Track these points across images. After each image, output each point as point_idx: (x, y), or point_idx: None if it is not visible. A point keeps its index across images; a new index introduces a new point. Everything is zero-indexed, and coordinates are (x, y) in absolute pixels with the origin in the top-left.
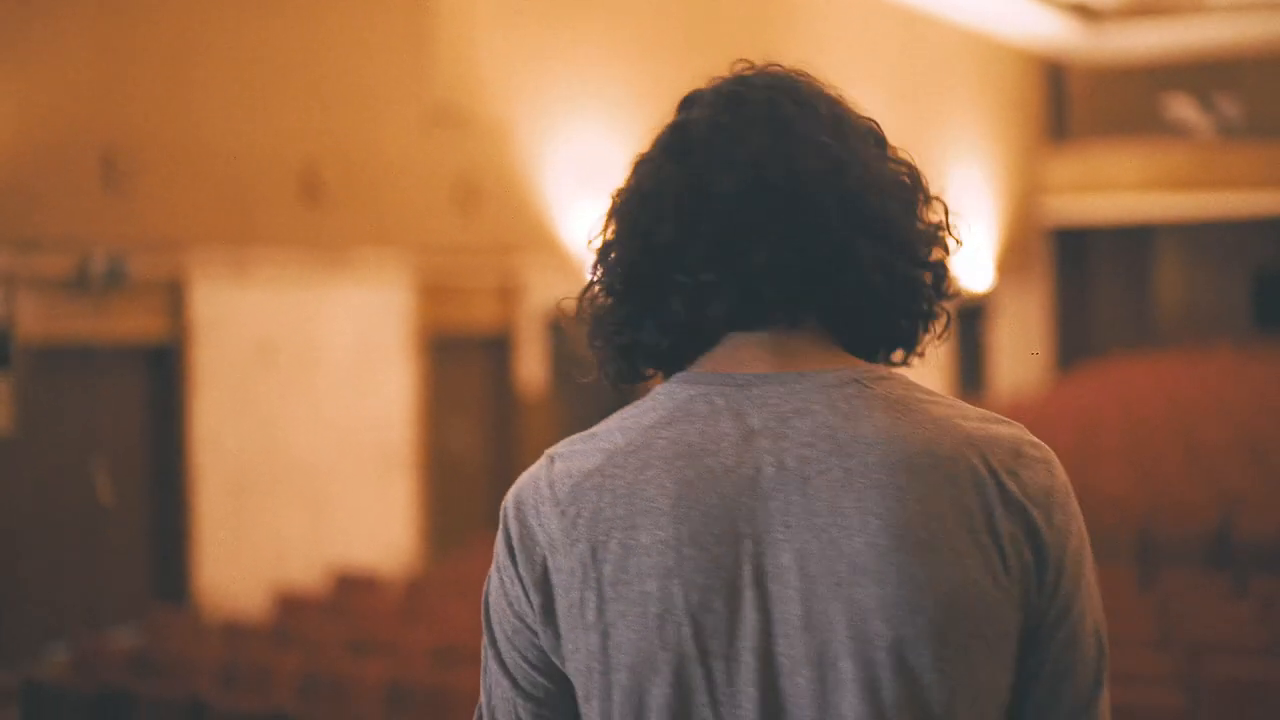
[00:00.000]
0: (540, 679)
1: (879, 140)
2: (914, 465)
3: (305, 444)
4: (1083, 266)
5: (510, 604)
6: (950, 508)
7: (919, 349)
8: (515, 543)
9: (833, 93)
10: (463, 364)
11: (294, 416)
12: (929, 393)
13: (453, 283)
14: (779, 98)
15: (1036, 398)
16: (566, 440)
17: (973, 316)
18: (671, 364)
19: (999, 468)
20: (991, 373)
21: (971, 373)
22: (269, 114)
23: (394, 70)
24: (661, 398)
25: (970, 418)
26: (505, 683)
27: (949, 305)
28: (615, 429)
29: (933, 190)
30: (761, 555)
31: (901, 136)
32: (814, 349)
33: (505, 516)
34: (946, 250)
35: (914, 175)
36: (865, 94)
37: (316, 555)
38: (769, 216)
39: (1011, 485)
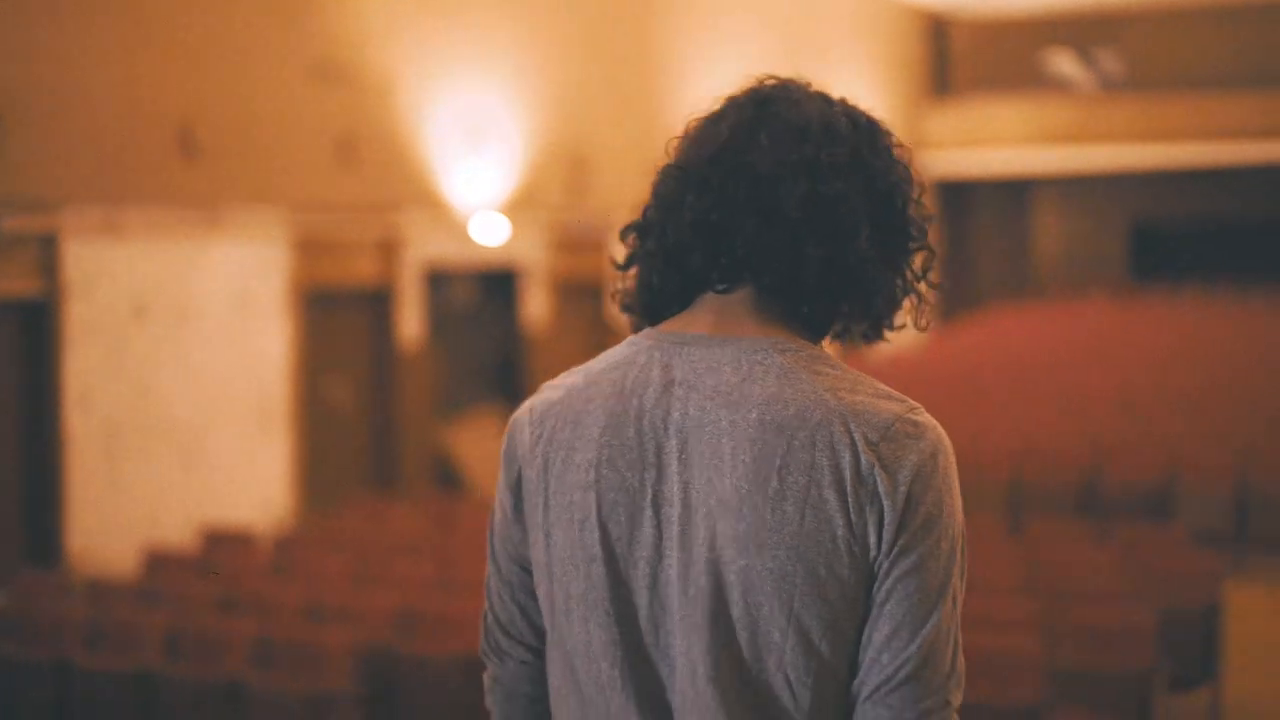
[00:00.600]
0: (515, 567)
1: (860, 133)
2: (784, 427)
3: (180, 401)
4: (964, 219)
5: (500, 504)
6: (808, 467)
7: (884, 329)
8: (504, 452)
9: (830, 105)
10: (341, 320)
11: (169, 373)
12: (834, 367)
13: (332, 238)
14: (792, 105)
15: (918, 349)
16: (559, 375)
17: None
18: (653, 318)
19: (861, 440)
20: None
21: None
22: (145, 69)
23: (273, 25)
24: (619, 348)
25: (859, 392)
26: (494, 569)
27: (925, 298)
28: (581, 370)
29: (906, 178)
30: (660, 483)
31: None
32: (751, 319)
33: (505, 436)
34: (894, 254)
35: (884, 189)
36: (751, 50)
37: (192, 514)
38: (710, 194)
39: (869, 455)
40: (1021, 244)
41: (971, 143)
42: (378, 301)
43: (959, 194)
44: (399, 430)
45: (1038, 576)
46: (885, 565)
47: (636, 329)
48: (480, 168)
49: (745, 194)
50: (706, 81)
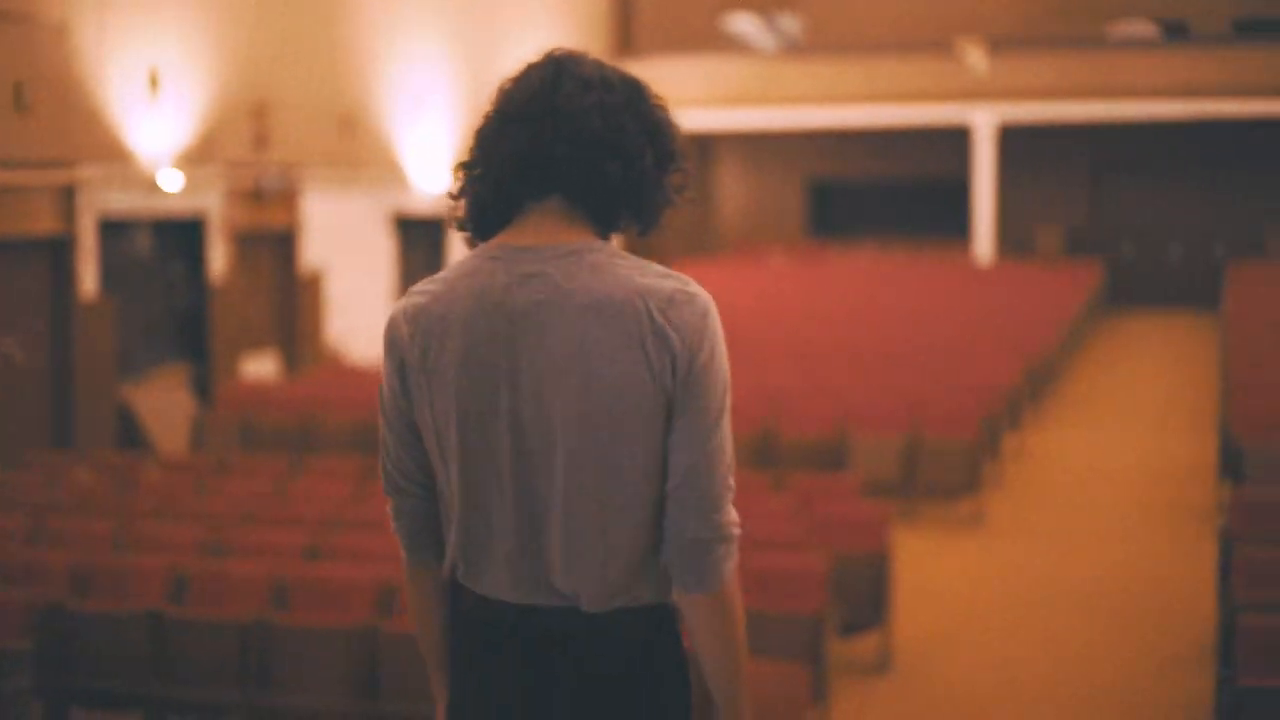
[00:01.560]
0: (405, 428)
1: (628, 89)
2: (599, 306)
3: None
4: None
5: (388, 384)
6: (619, 333)
7: (647, 222)
8: (387, 344)
9: (604, 66)
10: (17, 270)
11: None
12: (625, 259)
13: (5, 187)
14: (567, 66)
15: None
16: (419, 283)
17: None
18: (484, 235)
19: (654, 308)
20: None
21: None
22: None
23: None
24: (466, 260)
25: (647, 274)
26: (388, 431)
27: (675, 193)
28: (440, 278)
29: (663, 120)
30: (513, 356)
31: (473, 54)
32: (562, 224)
33: (386, 329)
34: (659, 163)
35: (638, 111)
36: (432, 3)
37: None
38: (529, 129)
39: (660, 319)
40: (704, 201)
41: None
42: (55, 254)
43: None
44: (78, 386)
45: None
46: (679, 396)
47: (472, 245)
48: (161, 117)
49: (554, 127)
50: (388, 34)
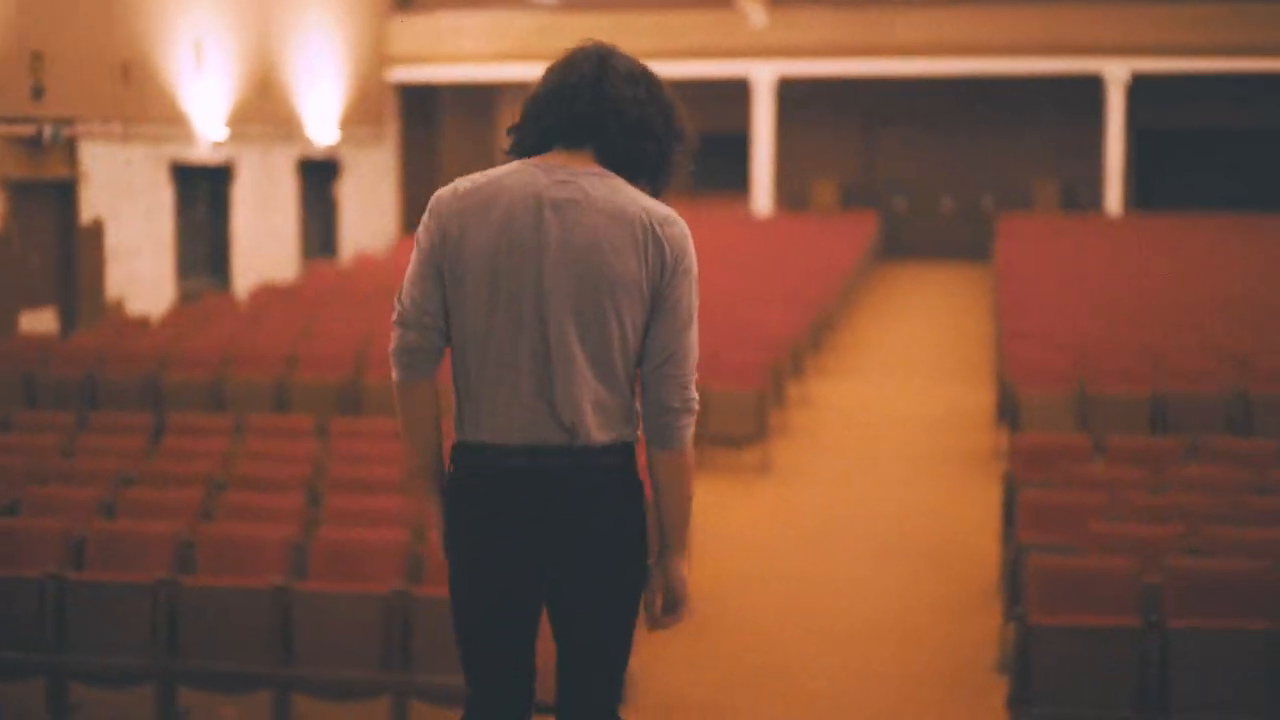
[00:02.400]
0: (434, 272)
1: (652, 83)
2: (612, 213)
3: None
4: (432, 127)
5: (428, 239)
6: (626, 234)
7: (660, 185)
8: (433, 210)
9: (634, 62)
10: None
11: None
12: (631, 188)
13: None
14: (600, 53)
15: (384, 258)
16: (466, 178)
17: (322, 176)
18: (533, 154)
19: (654, 222)
20: (341, 233)
21: (323, 233)
22: None
23: None
24: (514, 165)
25: (646, 201)
26: (416, 273)
27: (681, 165)
28: (488, 174)
29: (675, 107)
30: (543, 234)
31: (252, 2)
32: (587, 163)
33: (431, 203)
34: (667, 133)
35: (660, 102)
36: None
37: None
38: (579, 106)
39: (659, 231)
40: (487, 156)
41: (436, 57)
42: None
43: (426, 102)
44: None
45: None
46: (663, 290)
47: (512, 156)
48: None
49: (602, 107)
50: None
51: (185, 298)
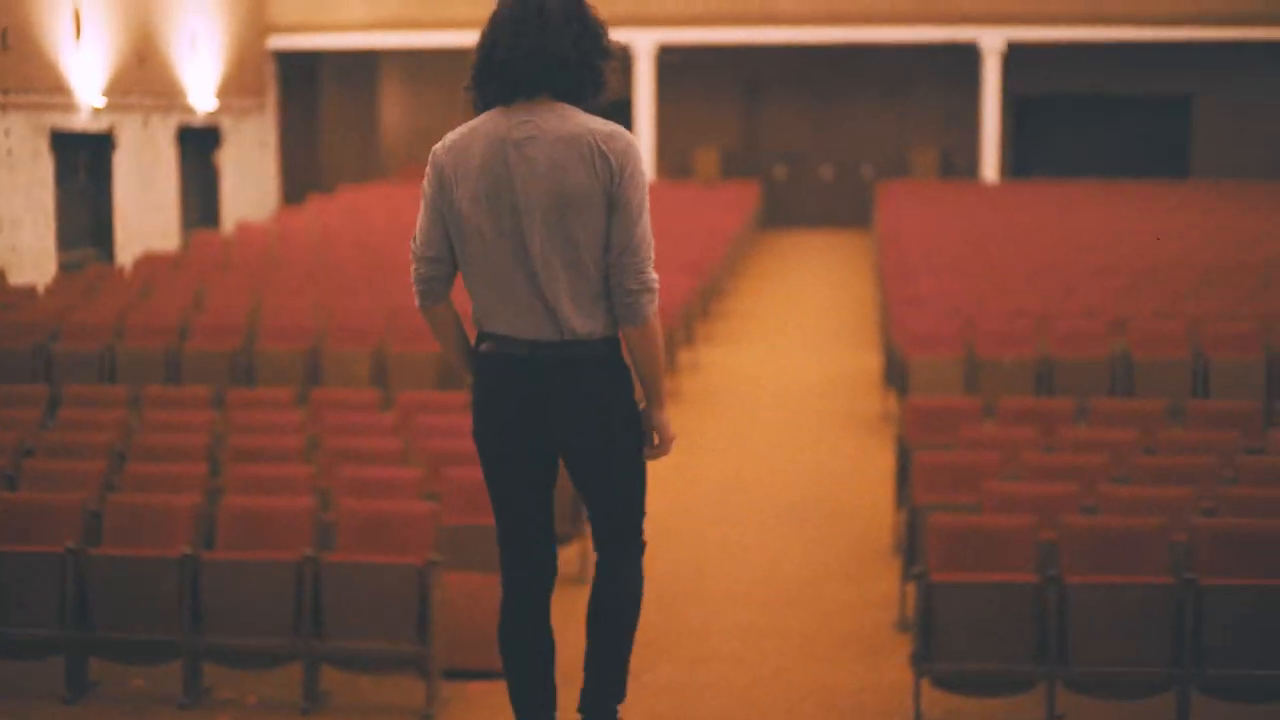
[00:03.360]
0: (439, 215)
1: (580, 9)
2: (565, 139)
3: None
4: (312, 96)
5: (430, 186)
6: (576, 155)
7: (591, 98)
8: (432, 163)
9: (569, 4)
10: None
11: None
12: (579, 114)
13: None
14: (538, 12)
15: (268, 227)
16: (452, 131)
17: (203, 145)
18: (496, 104)
19: (599, 140)
20: (223, 203)
21: (204, 202)
22: None
23: None
24: (485, 115)
25: (593, 123)
26: (427, 215)
27: (608, 79)
28: (467, 125)
29: (603, 28)
30: (511, 167)
31: None
32: (544, 100)
33: (431, 155)
34: (600, 57)
35: (590, 26)
36: None
37: None
38: (525, 48)
39: (603, 146)
40: (369, 125)
41: (316, 25)
42: None
43: (305, 72)
44: None
45: (415, 444)
46: (615, 194)
47: (479, 111)
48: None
49: (550, 62)
50: None
51: (67, 269)
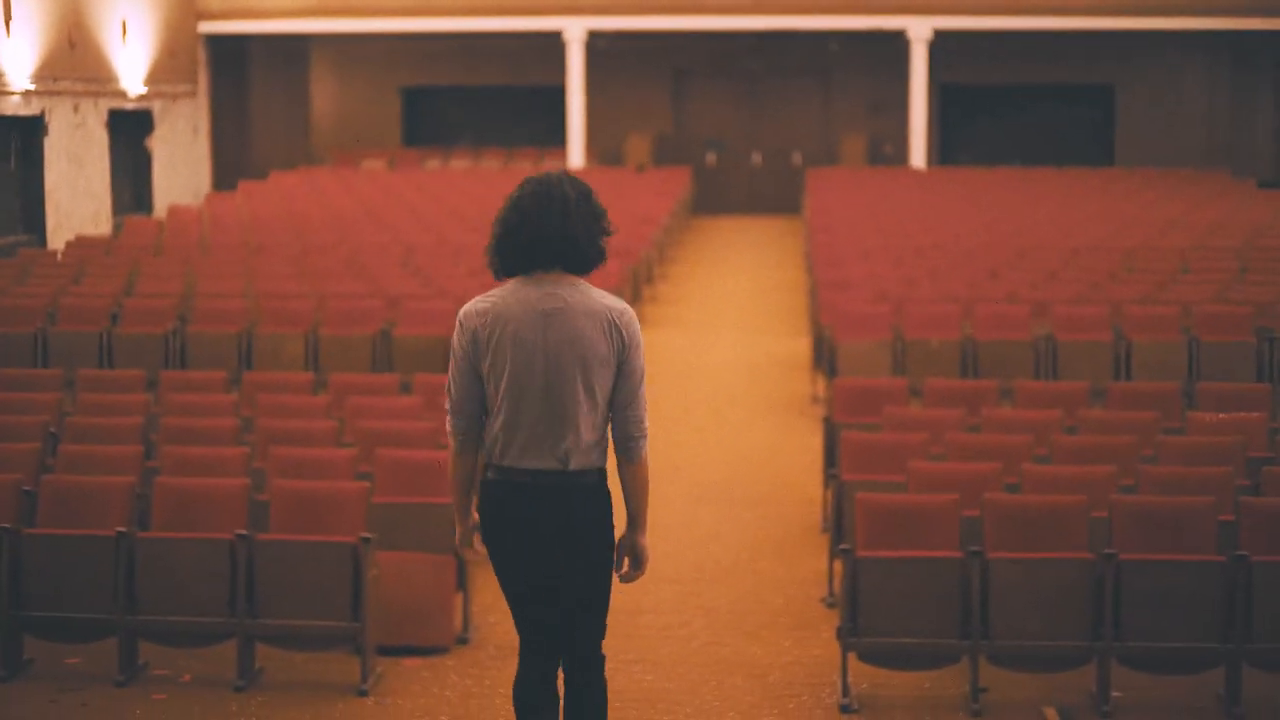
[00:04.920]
0: (472, 374)
1: (588, 200)
2: (587, 313)
3: None
4: (242, 81)
5: (462, 347)
6: (596, 328)
7: (594, 270)
8: (461, 326)
9: (580, 185)
10: None
11: None
12: (593, 289)
13: None
14: (553, 180)
15: (200, 212)
16: (480, 296)
17: (134, 130)
18: (517, 273)
19: (614, 316)
20: (155, 187)
21: (135, 187)
22: None
23: None
24: (512, 283)
25: (607, 299)
26: (458, 377)
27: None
28: (496, 293)
29: (603, 210)
30: (543, 333)
31: None
32: (560, 276)
33: (460, 318)
34: (606, 228)
35: (593, 199)
36: None
37: None
38: (549, 233)
39: (617, 322)
40: (301, 110)
41: (247, 11)
42: None
43: (236, 57)
44: None
45: (349, 425)
46: (622, 362)
47: (499, 279)
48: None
49: (567, 245)
50: None
51: None
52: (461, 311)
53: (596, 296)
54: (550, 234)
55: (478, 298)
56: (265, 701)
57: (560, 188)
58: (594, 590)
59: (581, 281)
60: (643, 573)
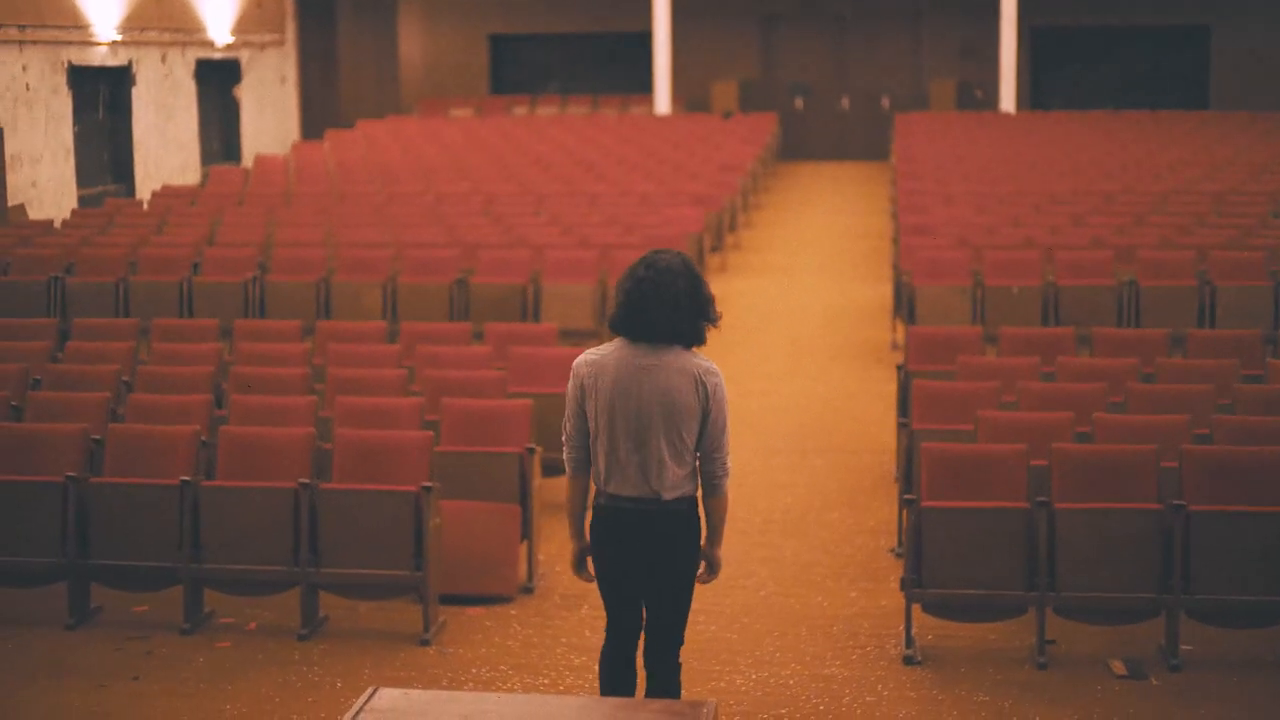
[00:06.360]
0: (581, 414)
1: (698, 292)
2: (679, 370)
3: None
4: (330, 29)
5: (573, 390)
6: (687, 383)
7: (701, 343)
8: (574, 373)
9: (690, 266)
10: None
11: None
12: (693, 354)
13: None
14: (669, 272)
15: (285, 161)
16: (592, 349)
17: (222, 80)
18: (627, 338)
19: (701, 375)
20: (243, 136)
21: (224, 137)
22: None
23: None
24: (618, 345)
25: (700, 359)
26: (573, 417)
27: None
28: (602, 349)
29: (710, 295)
30: (639, 385)
31: None
32: (665, 344)
33: (574, 366)
34: (710, 316)
35: (702, 291)
36: None
37: None
38: (659, 324)
39: (703, 379)
40: (387, 59)
41: None
42: None
43: (323, 5)
44: None
45: (418, 373)
46: (707, 411)
47: (613, 331)
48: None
49: (674, 329)
50: None
51: (87, 204)
52: (576, 360)
53: (689, 357)
54: (660, 325)
55: (589, 350)
56: (328, 650)
57: (673, 286)
58: (678, 593)
59: (681, 349)
60: (716, 577)
